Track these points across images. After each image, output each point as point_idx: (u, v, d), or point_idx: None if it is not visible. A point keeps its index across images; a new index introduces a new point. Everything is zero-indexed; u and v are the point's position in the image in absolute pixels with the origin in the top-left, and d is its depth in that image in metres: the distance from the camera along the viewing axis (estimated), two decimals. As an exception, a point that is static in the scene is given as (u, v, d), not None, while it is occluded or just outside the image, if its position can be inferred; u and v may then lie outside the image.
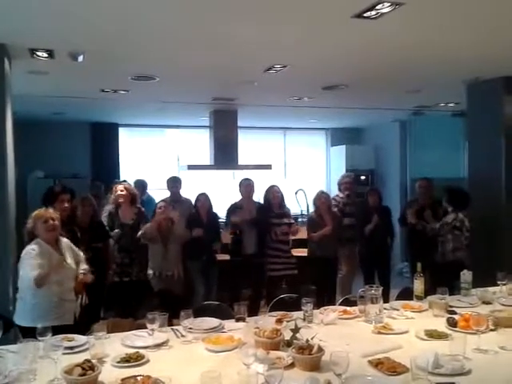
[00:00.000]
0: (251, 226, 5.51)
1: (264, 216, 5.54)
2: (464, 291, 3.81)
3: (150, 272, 5.01)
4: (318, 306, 3.53)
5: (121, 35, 3.89)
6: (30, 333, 2.82)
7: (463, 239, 5.09)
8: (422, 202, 5.85)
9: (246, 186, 5.73)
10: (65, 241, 3.58)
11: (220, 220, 5.95)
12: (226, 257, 5.74)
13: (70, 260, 3.49)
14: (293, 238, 5.74)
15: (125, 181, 5.69)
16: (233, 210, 5.67)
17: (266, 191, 5.67)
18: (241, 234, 5.54)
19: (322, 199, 5.69)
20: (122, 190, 5.14)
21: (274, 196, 5.57)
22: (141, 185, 6.99)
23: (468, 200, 5.18)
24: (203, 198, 5.58)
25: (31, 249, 3.30)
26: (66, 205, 4.29)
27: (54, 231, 3.43)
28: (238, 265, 5.53)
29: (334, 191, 6.84)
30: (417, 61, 4.73)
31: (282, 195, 5.66)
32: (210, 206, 5.70)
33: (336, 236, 5.63)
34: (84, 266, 3.63)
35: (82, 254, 3.74)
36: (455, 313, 3.29)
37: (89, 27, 3.68)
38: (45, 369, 2.34)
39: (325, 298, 5.02)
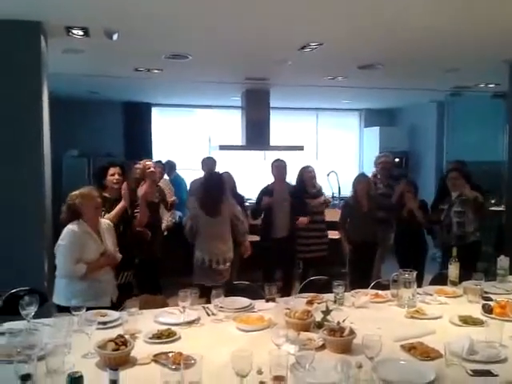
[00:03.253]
0: (284, 208, 5.35)
1: (298, 197, 5.42)
2: (500, 277, 3.70)
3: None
4: (352, 289, 3.50)
5: (155, 13, 3.87)
6: (65, 312, 2.86)
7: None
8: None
9: (278, 167, 5.49)
10: (104, 222, 3.63)
11: (249, 201, 5.81)
12: (256, 238, 5.63)
13: (109, 243, 3.52)
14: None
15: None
16: (264, 193, 5.52)
17: (300, 172, 5.60)
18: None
19: (362, 183, 5.34)
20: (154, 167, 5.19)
21: (308, 176, 5.53)
22: (170, 165, 7.35)
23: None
24: (227, 176, 5.33)
25: (71, 232, 3.33)
26: (117, 177, 4.29)
27: (99, 209, 3.54)
28: (268, 248, 5.40)
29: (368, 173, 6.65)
30: (456, 37, 4.57)
31: (314, 175, 5.63)
32: (234, 186, 5.62)
33: (373, 218, 5.31)
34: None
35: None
36: (491, 299, 3.21)
37: (124, 5, 3.68)
38: (79, 343, 2.39)
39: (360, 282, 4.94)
